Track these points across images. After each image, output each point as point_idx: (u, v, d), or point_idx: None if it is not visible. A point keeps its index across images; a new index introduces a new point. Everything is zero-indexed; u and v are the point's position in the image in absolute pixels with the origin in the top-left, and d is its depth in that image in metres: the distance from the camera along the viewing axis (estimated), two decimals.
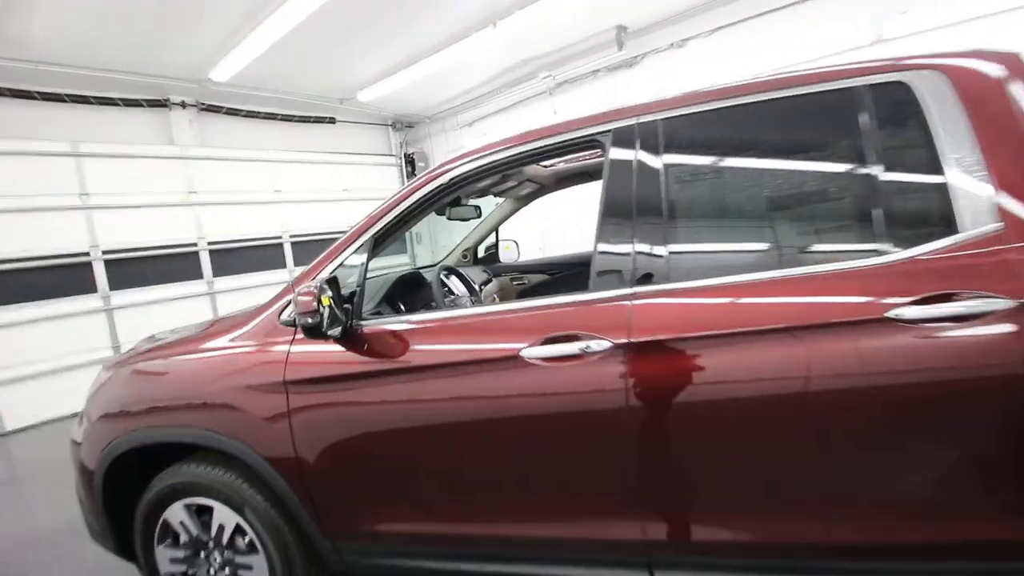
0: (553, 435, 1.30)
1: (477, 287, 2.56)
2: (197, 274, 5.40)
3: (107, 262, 4.88)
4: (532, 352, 1.28)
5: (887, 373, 1.07)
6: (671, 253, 1.27)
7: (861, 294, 1.12)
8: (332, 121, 6.91)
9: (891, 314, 1.06)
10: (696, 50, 4.74)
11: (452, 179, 1.54)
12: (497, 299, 2.99)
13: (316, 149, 6.63)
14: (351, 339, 1.44)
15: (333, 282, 1.43)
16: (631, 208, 1.31)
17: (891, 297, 1.08)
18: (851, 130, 1.22)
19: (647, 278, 1.26)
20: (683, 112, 1.34)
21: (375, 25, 4.50)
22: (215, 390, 1.54)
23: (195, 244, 5.38)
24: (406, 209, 1.57)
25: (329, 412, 1.45)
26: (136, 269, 5.04)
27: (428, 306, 2.17)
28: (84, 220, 4.79)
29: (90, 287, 4.78)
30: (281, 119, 6.38)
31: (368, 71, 5.54)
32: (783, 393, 1.12)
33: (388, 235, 1.61)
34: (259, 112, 6.15)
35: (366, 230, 1.57)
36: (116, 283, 4.92)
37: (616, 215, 1.33)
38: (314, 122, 6.73)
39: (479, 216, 2.80)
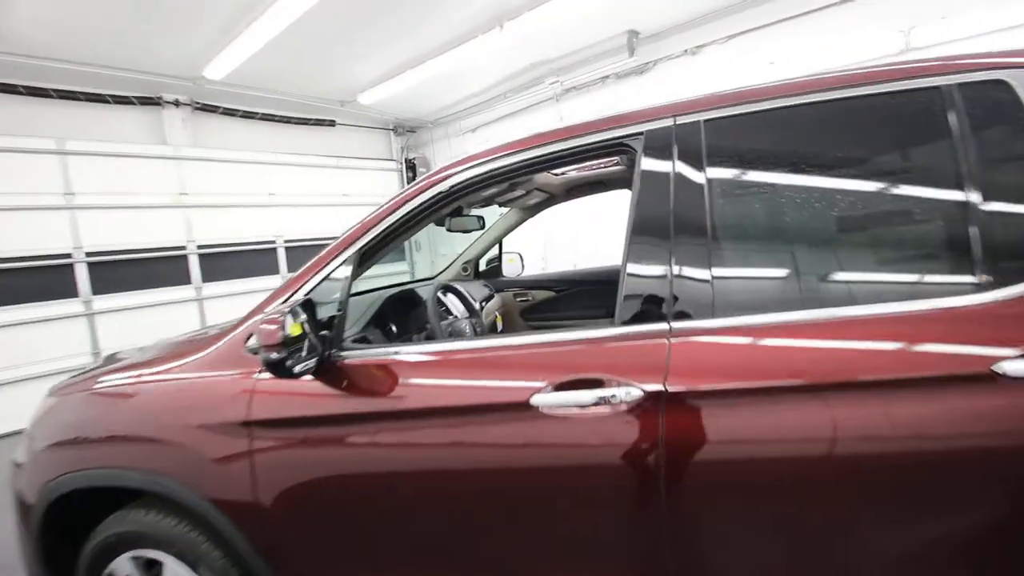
0: (568, 502, 1.07)
1: (478, 305, 2.34)
2: (185, 279, 5.17)
3: (90, 265, 4.66)
4: (545, 399, 1.05)
5: (989, 436, 0.86)
6: (718, 282, 1.04)
7: (959, 341, 0.90)
8: (332, 124, 6.72)
9: (998, 368, 0.85)
10: (711, 57, 4.55)
11: (454, 186, 1.32)
12: (499, 316, 2.77)
13: (315, 152, 6.43)
14: (328, 374, 1.22)
15: (308, 305, 1.20)
16: (668, 226, 1.09)
17: (998, 347, 0.86)
18: (940, 136, 1.00)
19: (688, 311, 1.04)
20: (731, 112, 1.12)
21: (377, 24, 4.31)
22: (159, 427, 1.31)
23: (184, 248, 5.16)
24: (400, 219, 1.35)
25: (300, 460, 1.21)
26: (121, 272, 4.81)
27: (423, 328, 1.94)
28: (67, 220, 4.57)
29: (71, 291, 4.55)
30: (279, 121, 6.19)
31: (370, 73, 5.35)
32: (860, 460, 0.90)
33: (379, 248, 1.39)
34: (256, 113, 5.95)
35: (352, 243, 1.35)
36: (99, 287, 4.69)
37: (649, 233, 1.11)
38: (313, 124, 6.54)
39: (482, 228, 2.58)
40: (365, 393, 1.20)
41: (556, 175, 2.32)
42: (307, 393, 1.23)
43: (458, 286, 2.31)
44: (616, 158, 2.33)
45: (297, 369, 1.11)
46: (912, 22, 3.45)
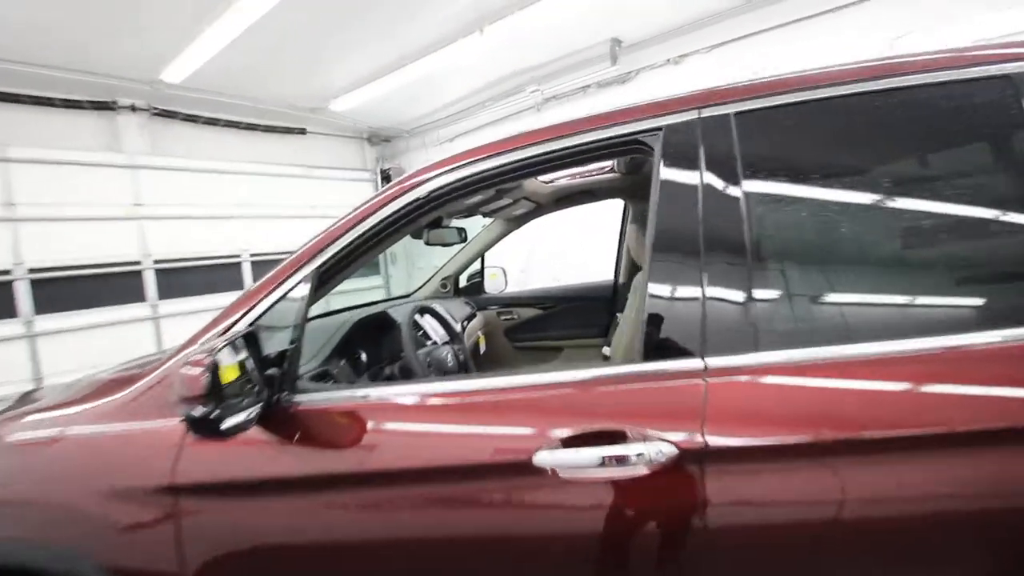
0: None
1: (459, 326, 2.11)
2: (139, 296, 4.79)
3: (33, 282, 4.25)
4: (551, 458, 0.83)
5: None
6: (761, 308, 0.85)
7: None
8: (302, 132, 6.42)
9: None
10: (694, 66, 4.45)
11: (432, 192, 1.10)
12: (482, 337, 2.54)
13: (283, 162, 6.11)
14: (278, 424, 0.97)
15: (251, 337, 0.97)
16: (697, 240, 0.89)
17: None
18: (1017, 134, 0.84)
19: (726, 345, 0.84)
20: (767, 104, 0.93)
21: (349, 26, 4.08)
22: (64, 491, 1.04)
23: (139, 263, 4.78)
24: (368, 232, 1.13)
25: (240, 535, 0.96)
26: (67, 290, 4.40)
27: (398, 357, 1.71)
28: (9, 234, 4.17)
29: (9, 311, 4.14)
30: (245, 128, 5.87)
31: (342, 78, 5.11)
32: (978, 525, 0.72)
33: (343, 266, 1.16)
34: (219, 120, 5.62)
35: (310, 259, 1.11)
36: (42, 306, 4.28)
37: (674, 250, 0.91)
38: (282, 132, 6.24)
39: (464, 240, 2.36)
40: (324, 448, 0.96)
41: (547, 182, 2.13)
42: (251, 446, 0.98)
43: (437, 306, 2.09)
44: (608, 163, 2.16)
45: (227, 425, 0.86)
46: (901, 31, 3.40)
